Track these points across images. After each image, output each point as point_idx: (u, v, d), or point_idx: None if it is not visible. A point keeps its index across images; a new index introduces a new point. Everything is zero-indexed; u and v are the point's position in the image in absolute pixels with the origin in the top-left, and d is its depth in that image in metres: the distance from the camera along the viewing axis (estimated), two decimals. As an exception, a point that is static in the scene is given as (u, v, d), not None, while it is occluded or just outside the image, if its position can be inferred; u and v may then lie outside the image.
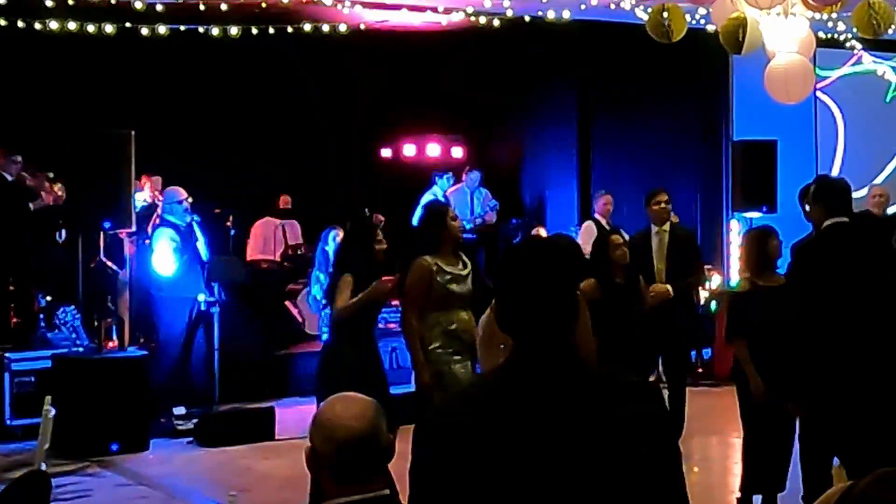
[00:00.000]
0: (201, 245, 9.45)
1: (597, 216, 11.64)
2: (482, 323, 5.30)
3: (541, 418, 2.07)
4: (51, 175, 10.63)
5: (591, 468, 2.04)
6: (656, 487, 2.06)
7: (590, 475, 2.04)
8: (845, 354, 5.25)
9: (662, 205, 8.10)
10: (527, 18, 11.13)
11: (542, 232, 10.56)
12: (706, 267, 10.44)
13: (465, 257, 6.29)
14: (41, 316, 10.24)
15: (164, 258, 9.10)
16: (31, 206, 10.50)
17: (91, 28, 10.22)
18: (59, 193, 10.28)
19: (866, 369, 5.18)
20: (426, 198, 11.92)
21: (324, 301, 8.76)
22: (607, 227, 11.43)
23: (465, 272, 6.14)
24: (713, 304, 11.31)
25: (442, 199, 12.04)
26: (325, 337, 7.40)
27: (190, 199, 9.32)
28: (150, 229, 10.21)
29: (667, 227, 8.11)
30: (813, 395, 5.37)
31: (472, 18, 11.10)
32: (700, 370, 10.82)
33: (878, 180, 13.96)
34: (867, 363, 5.20)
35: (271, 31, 10.86)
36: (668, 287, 7.75)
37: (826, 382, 5.27)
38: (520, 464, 2.05)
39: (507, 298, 2.22)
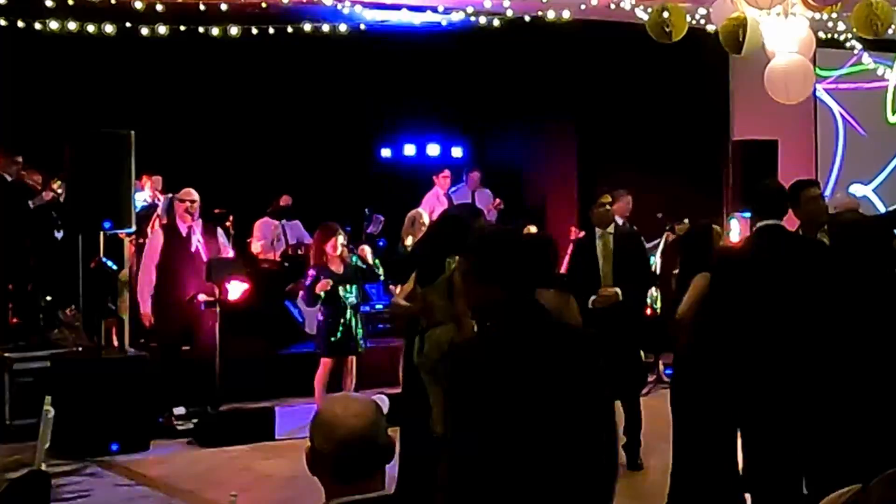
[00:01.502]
0: (201, 245, 9.44)
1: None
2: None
3: (530, 353, 3.09)
4: (38, 180, 10.66)
5: (562, 388, 3.08)
6: (595, 398, 3.15)
7: (562, 391, 3.08)
8: (763, 358, 5.34)
9: (606, 207, 8.04)
10: (527, 18, 11.13)
11: (533, 230, 10.55)
12: None
13: None
14: (41, 316, 10.25)
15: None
16: (30, 203, 10.51)
17: (91, 28, 10.22)
18: (59, 192, 10.29)
19: (786, 377, 5.22)
20: (429, 200, 11.89)
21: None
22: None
23: None
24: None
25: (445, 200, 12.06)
26: None
27: (194, 202, 9.30)
28: (149, 230, 10.23)
29: (611, 229, 8.04)
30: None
31: (472, 18, 11.10)
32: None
33: (879, 179, 14.01)
34: (786, 368, 5.23)
35: (271, 31, 10.86)
36: (617, 290, 7.68)
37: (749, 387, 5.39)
38: (521, 385, 3.04)
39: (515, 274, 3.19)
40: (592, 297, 7.58)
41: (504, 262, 3.17)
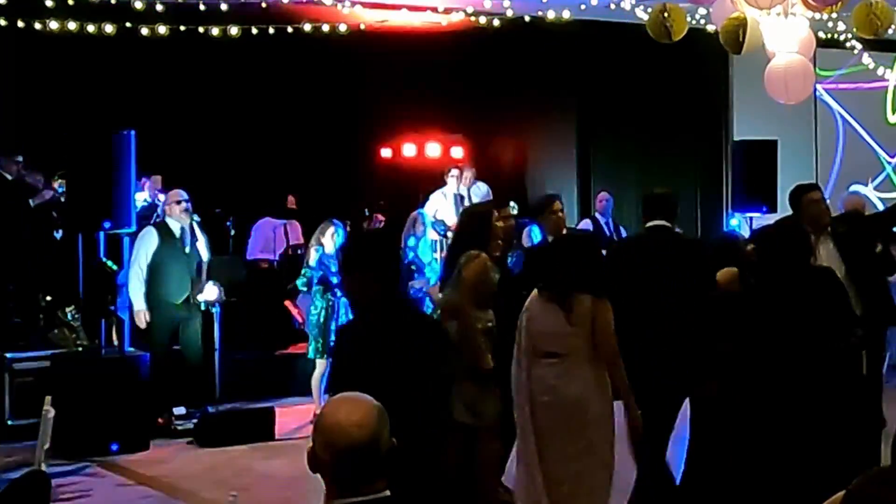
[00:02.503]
0: (202, 245, 9.44)
1: (596, 215, 11.75)
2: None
3: (380, 336, 3.84)
4: (40, 178, 10.65)
5: (404, 366, 3.80)
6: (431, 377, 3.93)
7: (404, 369, 3.79)
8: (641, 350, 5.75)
9: (560, 213, 7.48)
10: (527, 18, 11.14)
11: (537, 231, 10.55)
12: None
13: None
14: (41, 316, 10.24)
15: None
16: (31, 202, 10.51)
17: (91, 28, 10.22)
18: (60, 189, 10.29)
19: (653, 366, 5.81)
20: (436, 199, 11.84)
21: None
22: (603, 225, 11.51)
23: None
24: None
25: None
26: None
27: (183, 203, 9.28)
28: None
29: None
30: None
31: (472, 18, 11.10)
32: None
33: (879, 180, 14.01)
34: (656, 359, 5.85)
35: (271, 31, 10.86)
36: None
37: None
38: (369, 361, 3.74)
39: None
40: None
41: (369, 256, 3.88)
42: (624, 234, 11.37)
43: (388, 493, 2.58)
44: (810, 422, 5.31)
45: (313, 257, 9.13)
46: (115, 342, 9.22)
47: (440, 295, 6.39)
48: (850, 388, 5.50)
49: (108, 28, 10.22)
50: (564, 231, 7.53)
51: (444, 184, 11.84)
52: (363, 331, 3.95)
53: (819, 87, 13.15)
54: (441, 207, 11.24)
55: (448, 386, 4.18)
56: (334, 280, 8.89)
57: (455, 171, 11.83)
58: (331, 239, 9.09)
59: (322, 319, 8.99)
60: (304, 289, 9.15)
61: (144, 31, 10.34)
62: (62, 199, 10.26)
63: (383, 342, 3.80)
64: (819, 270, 5.77)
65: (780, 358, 5.38)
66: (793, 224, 5.97)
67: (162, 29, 10.37)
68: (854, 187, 13.68)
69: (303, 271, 9.27)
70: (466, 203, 12.24)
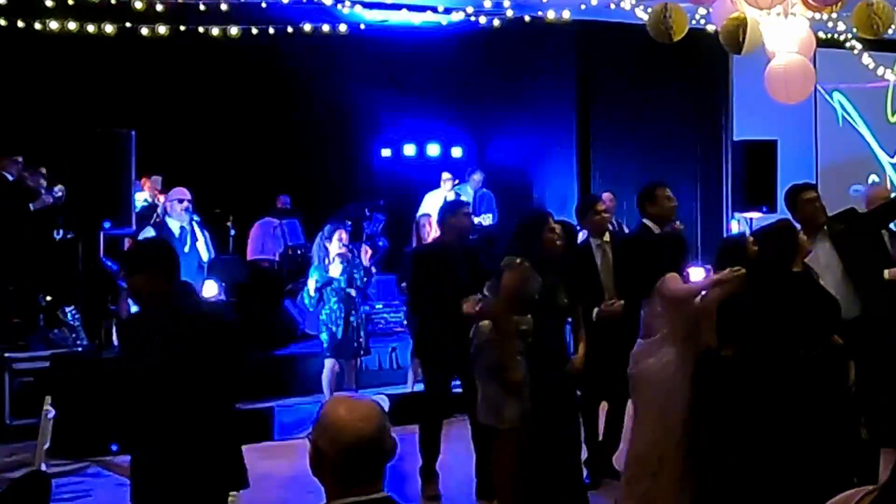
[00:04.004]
0: (202, 245, 9.44)
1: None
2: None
3: (157, 328, 4.31)
4: (43, 170, 10.64)
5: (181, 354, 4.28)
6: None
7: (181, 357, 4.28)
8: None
9: (603, 214, 7.34)
10: (527, 18, 11.13)
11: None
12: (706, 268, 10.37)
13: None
14: (41, 316, 10.24)
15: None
16: (31, 206, 10.50)
17: (91, 28, 10.22)
18: (59, 194, 10.29)
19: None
20: (432, 197, 11.85)
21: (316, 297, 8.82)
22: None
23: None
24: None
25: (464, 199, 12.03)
26: None
27: (185, 202, 9.28)
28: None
29: (607, 237, 7.30)
30: None
31: (472, 18, 11.10)
32: None
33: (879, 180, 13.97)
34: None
35: (271, 31, 10.85)
36: (621, 302, 6.87)
37: None
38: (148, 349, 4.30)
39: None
40: (596, 310, 6.96)
41: (150, 259, 4.37)
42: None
43: (387, 493, 2.58)
44: (786, 429, 5.35)
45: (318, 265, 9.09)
46: (115, 342, 9.22)
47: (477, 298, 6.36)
48: (825, 395, 5.50)
49: (108, 28, 10.22)
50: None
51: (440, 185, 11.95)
52: (143, 324, 4.46)
53: (819, 86, 13.14)
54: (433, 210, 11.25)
55: (232, 380, 4.65)
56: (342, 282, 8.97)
57: (448, 175, 11.95)
58: (337, 241, 9.05)
59: (333, 318, 8.99)
60: (316, 295, 9.04)
61: (144, 31, 10.33)
62: (62, 200, 10.26)
63: (159, 335, 4.28)
64: (799, 276, 5.77)
65: (757, 363, 5.42)
66: (776, 229, 5.97)
67: (162, 29, 10.36)
68: (854, 187, 13.67)
69: (314, 277, 9.21)
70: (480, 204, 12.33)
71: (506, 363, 5.88)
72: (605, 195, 11.79)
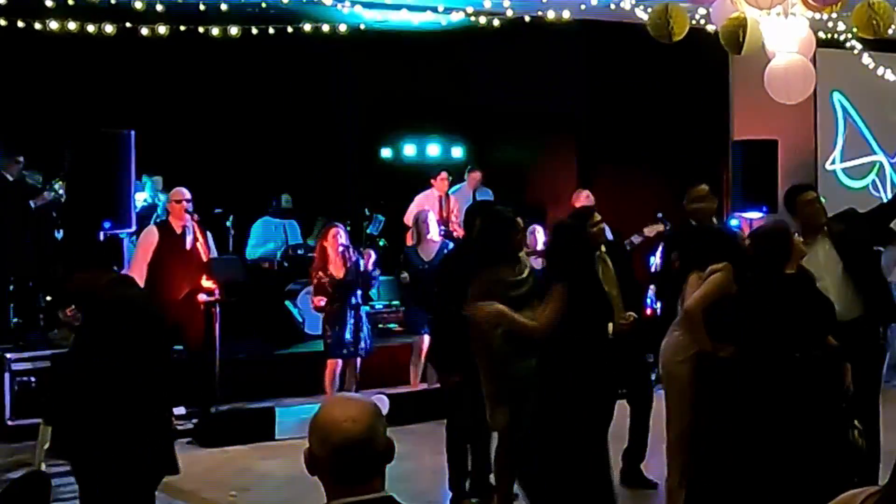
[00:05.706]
0: (202, 245, 9.43)
1: None
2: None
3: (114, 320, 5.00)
4: (39, 177, 10.65)
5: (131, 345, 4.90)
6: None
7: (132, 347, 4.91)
8: None
9: (598, 226, 7.00)
10: (527, 18, 11.12)
11: (539, 232, 10.51)
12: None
13: (523, 259, 6.30)
14: (41, 316, 10.24)
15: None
16: (32, 204, 10.51)
17: (91, 28, 10.21)
18: (61, 191, 10.29)
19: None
20: (425, 197, 11.85)
21: None
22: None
23: (524, 275, 6.14)
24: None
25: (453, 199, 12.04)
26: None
27: (184, 202, 9.27)
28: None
29: (603, 248, 7.06)
30: None
31: (472, 18, 11.09)
32: None
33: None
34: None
35: (271, 31, 10.85)
36: (633, 314, 6.84)
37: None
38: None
39: None
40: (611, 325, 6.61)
41: (99, 256, 4.91)
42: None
43: (387, 493, 2.59)
44: (784, 430, 5.35)
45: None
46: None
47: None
48: (822, 397, 5.50)
49: (108, 28, 10.20)
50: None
51: (430, 186, 11.95)
52: (94, 315, 5.14)
53: (819, 86, 13.13)
54: (430, 211, 11.22)
55: (164, 368, 5.18)
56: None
57: (444, 174, 11.95)
58: (333, 240, 9.08)
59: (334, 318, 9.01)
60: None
61: (144, 31, 10.33)
62: (62, 200, 10.27)
63: (109, 324, 4.94)
64: (793, 278, 5.75)
65: (754, 364, 5.42)
66: (770, 231, 5.95)
67: (162, 29, 10.36)
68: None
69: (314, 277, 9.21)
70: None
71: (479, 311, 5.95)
72: (583, 193, 11.54)
